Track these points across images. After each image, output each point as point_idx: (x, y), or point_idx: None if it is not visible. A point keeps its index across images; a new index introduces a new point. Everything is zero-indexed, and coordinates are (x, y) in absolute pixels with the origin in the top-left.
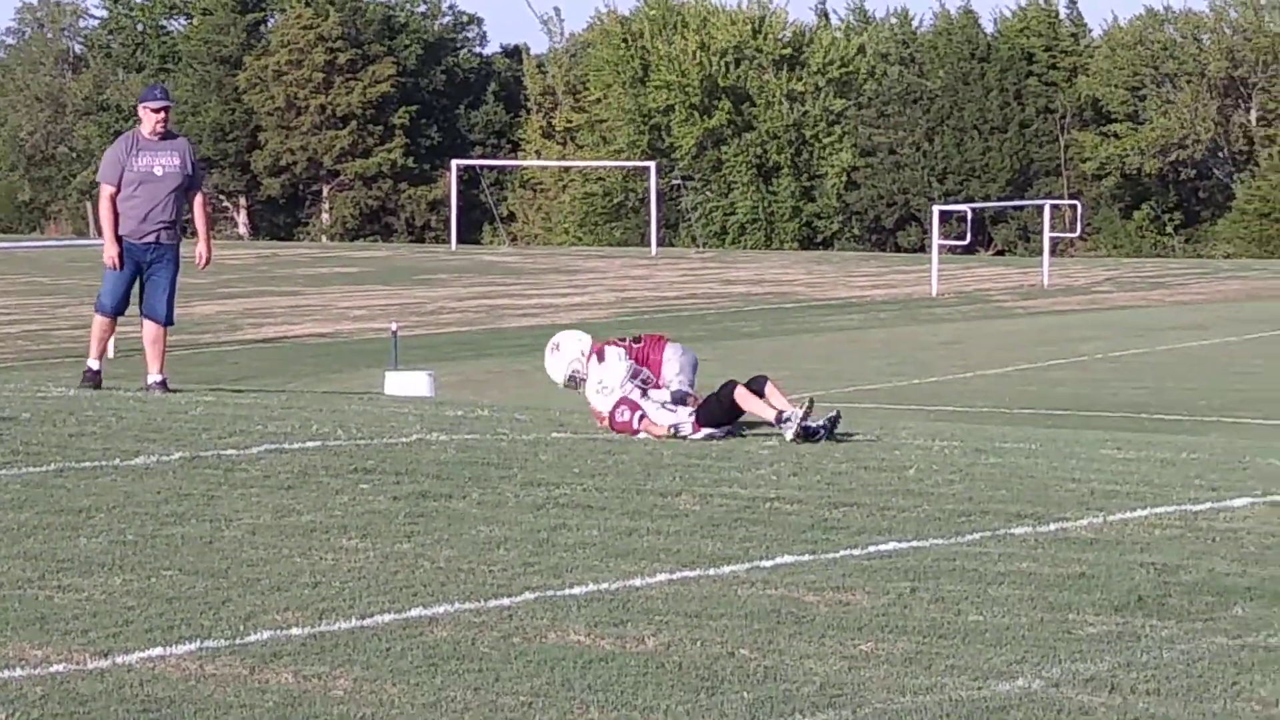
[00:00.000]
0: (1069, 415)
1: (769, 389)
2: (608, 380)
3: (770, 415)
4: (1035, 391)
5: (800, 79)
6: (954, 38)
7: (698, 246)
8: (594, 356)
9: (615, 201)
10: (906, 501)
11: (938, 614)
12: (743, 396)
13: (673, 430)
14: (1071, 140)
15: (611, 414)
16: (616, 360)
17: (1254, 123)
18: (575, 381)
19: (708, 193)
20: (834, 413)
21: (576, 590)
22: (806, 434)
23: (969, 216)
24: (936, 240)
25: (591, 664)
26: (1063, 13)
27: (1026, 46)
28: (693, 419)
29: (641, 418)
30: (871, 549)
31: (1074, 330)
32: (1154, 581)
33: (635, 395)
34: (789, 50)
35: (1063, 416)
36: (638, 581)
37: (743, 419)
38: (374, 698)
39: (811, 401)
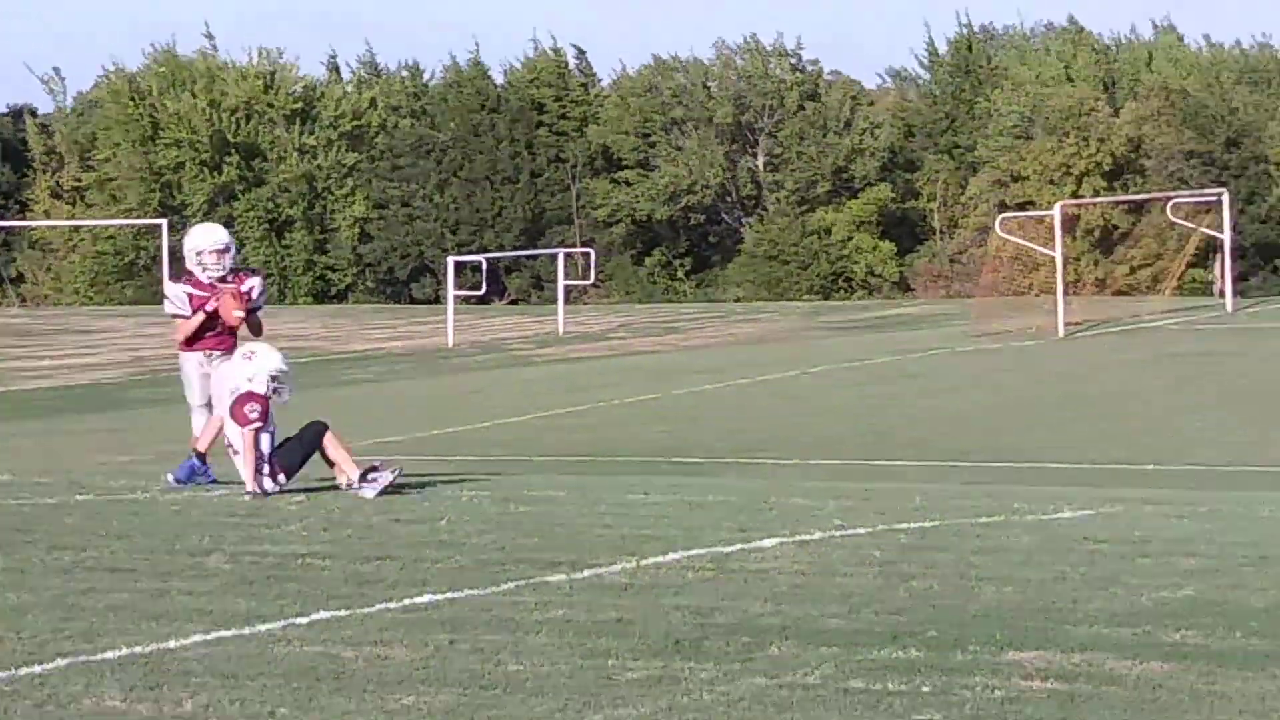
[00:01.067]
0: (589, 461)
1: (329, 438)
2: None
3: (351, 473)
4: (555, 439)
5: (312, 133)
6: (464, 89)
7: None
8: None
9: (127, 260)
10: (440, 553)
11: (477, 665)
12: (330, 443)
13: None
14: (583, 188)
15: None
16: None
17: (761, 168)
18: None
19: None
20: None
21: (110, 654)
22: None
23: (483, 266)
24: (452, 290)
25: None
26: (572, 63)
27: (537, 97)
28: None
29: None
30: (408, 601)
31: (591, 377)
32: (691, 624)
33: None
34: (300, 104)
35: (584, 462)
36: (172, 644)
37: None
38: None
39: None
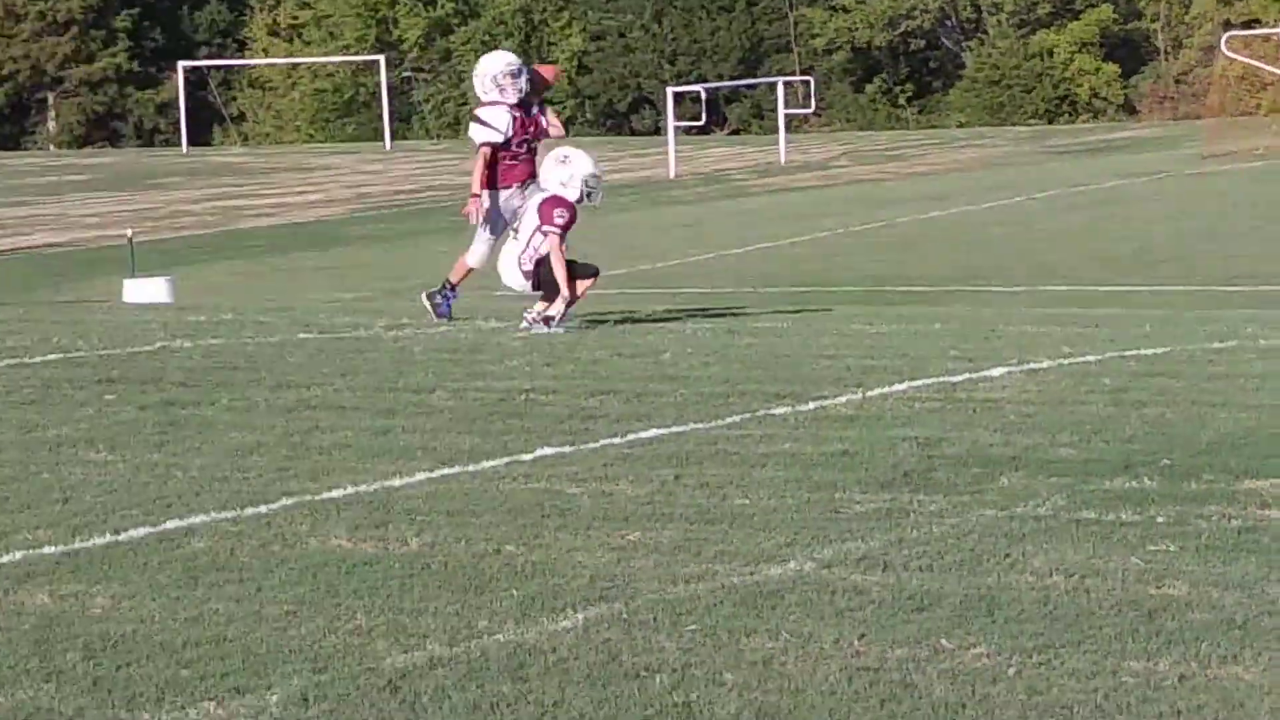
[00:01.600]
0: (813, 292)
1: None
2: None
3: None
4: (778, 269)
5: None
6: None
7: (432, 139)
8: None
9: (346, 97)
10: (664, 387)
11: (703, 500)
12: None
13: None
14: (800, 16)
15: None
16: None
17: None
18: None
19: (439, 84)
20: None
21: (335, 494)
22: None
23: (703, 97)
24: (672, 122)
25: (355, 568)
26: None
27: None
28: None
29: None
30: (632, 437)
31: (814, 206)
32: (918, 456)
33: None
34: None
35: (807, 293)
36: (397, 482)
37: None
38: (134, 614)
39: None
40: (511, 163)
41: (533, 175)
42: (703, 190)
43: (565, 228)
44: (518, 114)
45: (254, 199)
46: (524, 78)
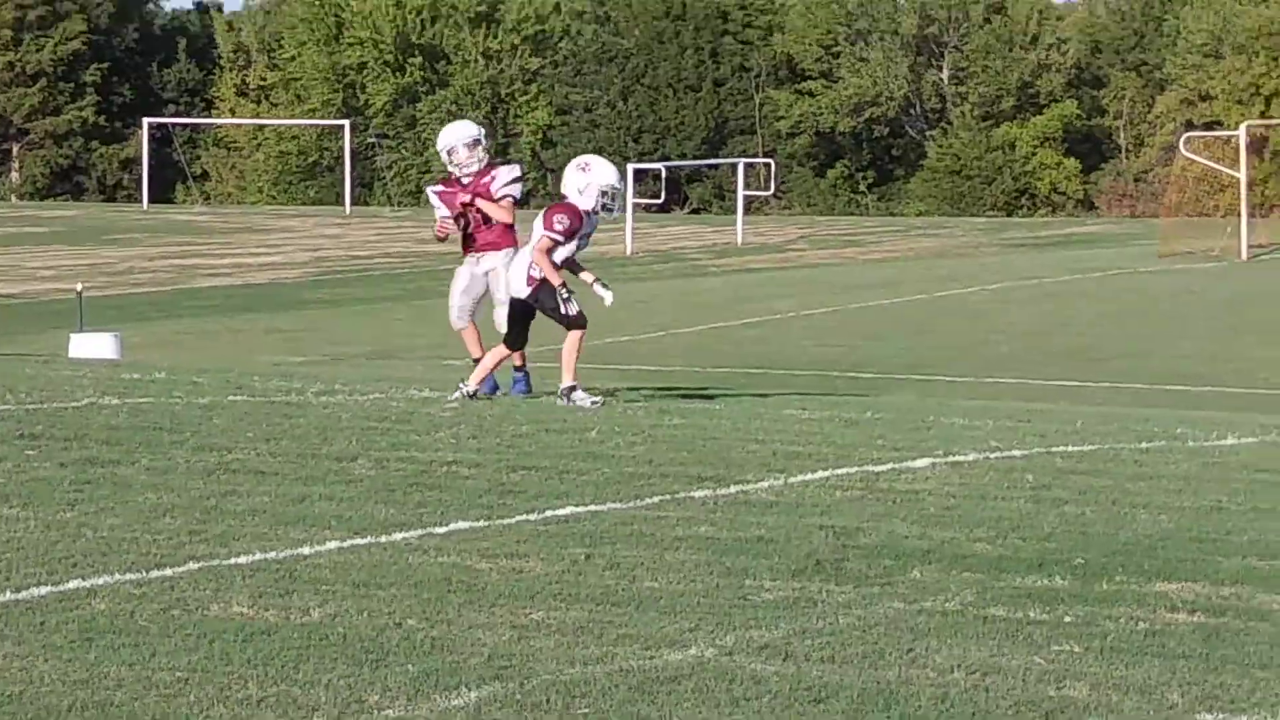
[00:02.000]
0: (761, 373)
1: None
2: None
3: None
4: (728, 350)
5: (495, 36)
6: None
7: (393, 205)
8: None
9: (310, 160)
10: (586, 464)
11: (612, 580)
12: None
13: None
14: (766, 98)
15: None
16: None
17: (945, 81)
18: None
19: (403, 150)
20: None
21: (242, 560)
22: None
23: (663, 175)
24: (631, 198)
25: (253, 637)
26: None
27: (721, 4)
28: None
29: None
30: (548, 513)
31: (767, 288)
32: (833, 545)
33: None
34: (484, 7)
35: (755, 375)
36: (306, 550)
37: None
38: (23, 675)
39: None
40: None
41: (491, 246)
42: (659, 268)
43: (566, 234)
44: (451, 189)
45: (211, 258)
46: (481, 147)
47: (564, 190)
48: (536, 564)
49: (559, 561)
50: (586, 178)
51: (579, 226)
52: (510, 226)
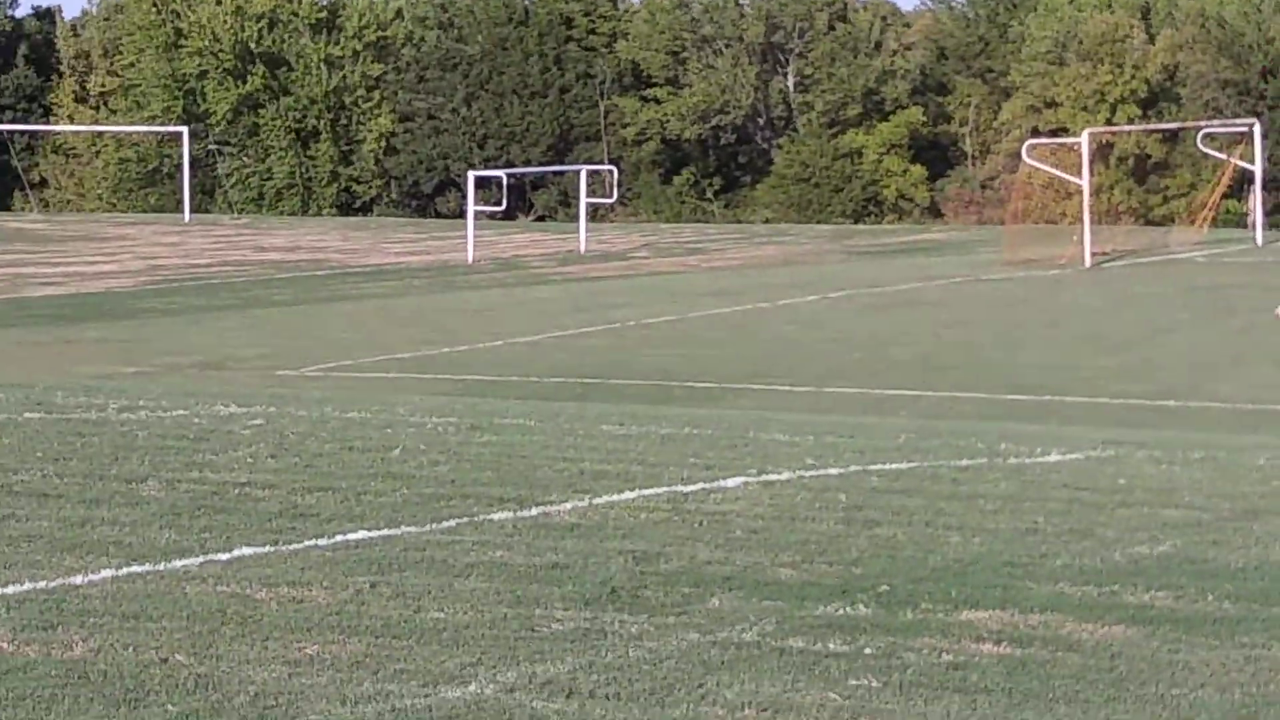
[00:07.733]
0: (596, 384)
1: None
2: None
3: None
4: (566, 359)
5: (338, 43)
6: (492, 2)
7: (234, 213)
8: None
9: (150, 167)
10: (386, 485)
11: (396, 611)
12: None
13: None
14: (612, 106)
15: None
16: None
17: (792, 88)
18: None
19: (244, 158)
20: None
21: (10, 589)
22: None
23: (504, 182)
24: (472, 206)
25: (9, 674)
26: None
27: (566, 11)
28: None
29: None
30: (339, 538)
31: (609, 296)
32: (630, 571)
33: None
34: (325, 14)
35: (591, 385)
36: (79, 579)
37: None
38: None
39: None
40: None
41: None
42: (500, 276)
43: None
44: None
45: (44, 266)
46: None
47: None
48: (319, 593)
49: (342, 590)
50: None
51: None
52: None
